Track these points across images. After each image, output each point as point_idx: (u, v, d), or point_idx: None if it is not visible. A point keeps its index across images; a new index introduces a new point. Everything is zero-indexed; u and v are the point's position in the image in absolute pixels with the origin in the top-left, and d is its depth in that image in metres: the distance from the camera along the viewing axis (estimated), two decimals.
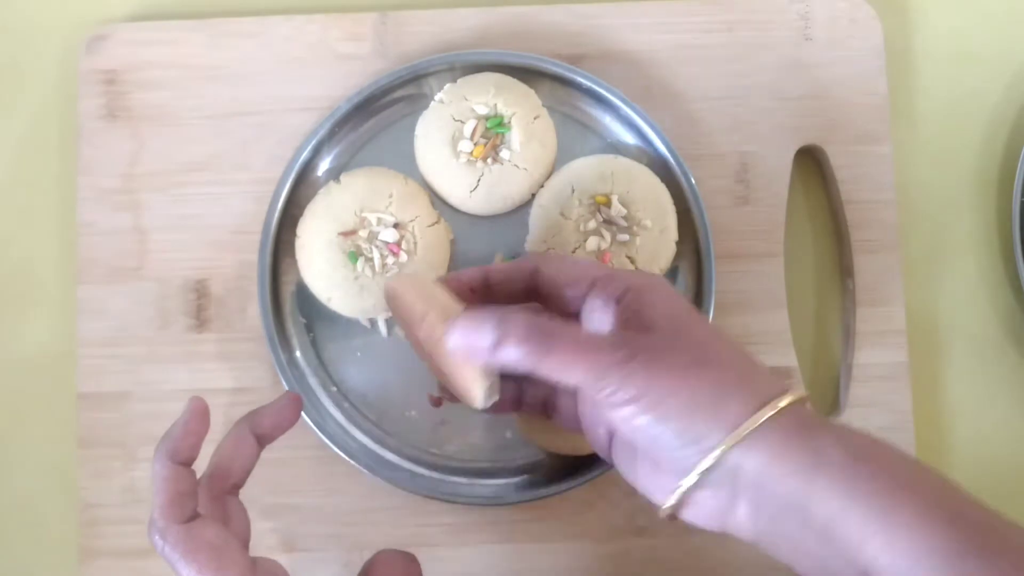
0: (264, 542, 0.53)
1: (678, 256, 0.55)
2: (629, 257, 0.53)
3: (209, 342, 0.55)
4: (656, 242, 0.54)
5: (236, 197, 0.56)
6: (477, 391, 0.41)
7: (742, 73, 0.57)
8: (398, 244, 0.54)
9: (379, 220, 0.54)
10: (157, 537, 0.38)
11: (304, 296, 0.55)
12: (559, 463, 0.53)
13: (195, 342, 0.55)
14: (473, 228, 0.56)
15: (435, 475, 0.54)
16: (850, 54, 0.57)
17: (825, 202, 0.58)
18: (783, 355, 0.55)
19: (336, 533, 0.54)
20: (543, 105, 0.56)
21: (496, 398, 0.42)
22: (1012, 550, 0.35)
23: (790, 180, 0.57)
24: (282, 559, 0.42)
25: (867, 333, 0.55)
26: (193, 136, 0.57)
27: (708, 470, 0.37)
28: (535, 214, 0.55)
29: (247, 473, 0.42)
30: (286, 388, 0.53)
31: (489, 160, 0.54)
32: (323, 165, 0.56)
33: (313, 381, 0.55)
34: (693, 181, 0.54)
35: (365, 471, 0.53)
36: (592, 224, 0.54)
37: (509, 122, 0.55)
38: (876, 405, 0.54)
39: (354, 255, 0.54)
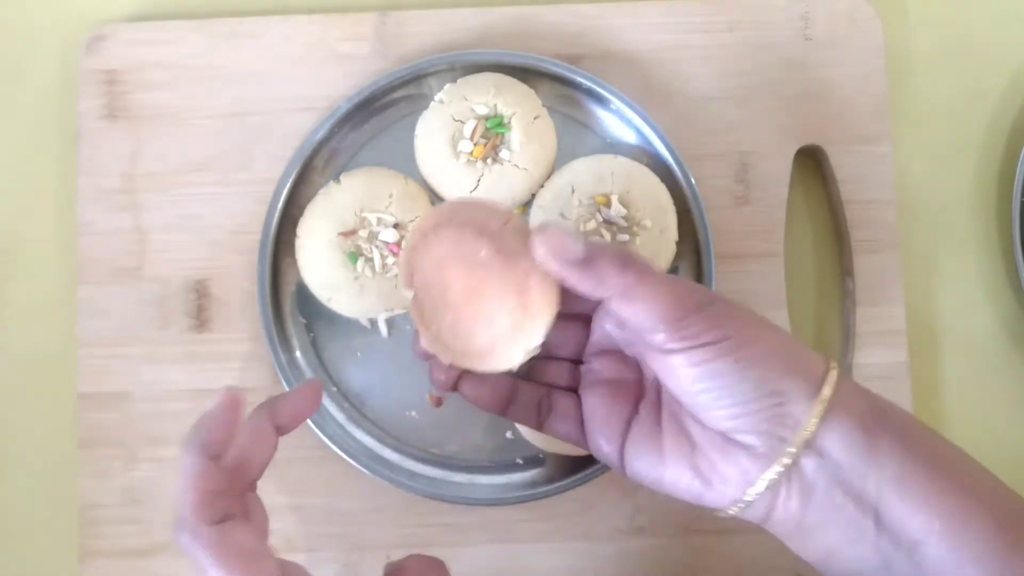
0: None
1: (678, 256, 0.55)
2: None
3: (209, 342, 0.55)
4: (656, 242, 0.54)
5: (236, 197, 0.56)
6: (545, 316, 0.38)
7: (742, 73, 0.57)
8: (398, 244, 0.54)
9: (379, 220, 0.54)
10: (188, 538, 0.35)
11: (304, 296, 0.55)
12: (559, 463, 0.54)
13: (195, 342, 0.55)
14: None
15: (435, 475, 0.54)
16: (850, 54, 0.57)
17: (825, 202, 0.58)
18: None
19: (336, 533, 0.54)
20: (543, 105, 0.56)
21: (540, 343, 0.40)
22: None
23: (790, 180, 0.57)
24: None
25: (867, 333, 0.55)
26: (193, 136, 0.57)
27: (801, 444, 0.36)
28: (535, 214, 0.55)
29: (264, 467, 0.39)
30: (286, 389, 0.53)
31: (489, 160, 0.54)
32: (323, 165, 0.56)
33: None
34: (693, 181, 0.54)
35: (365, 471, 0.53)
36: (592, 224, 0.54)
37: (509, 122, 0.55)
38: None
39: (354, 255, 0.54)
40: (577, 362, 0.45)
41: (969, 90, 0.60)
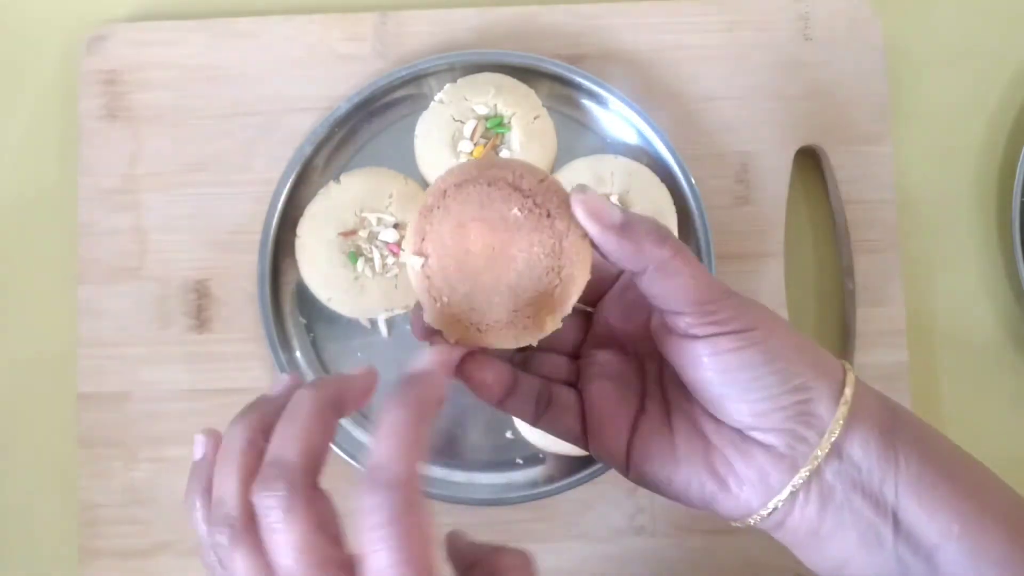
0: None
1: None
2: None
3: (209, 342, 0.55)
4: None
5: (236, 197, 0.56)
6: (580, 281, 0.35)
7: (742, 73, 0.57)
8: (398, 244, 0.54)
9: (379, 220, 0.54)
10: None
11: (304, 296, 0.55)
12: (559, 463, 0.54)
13: (195, 342, 0.55)
14: None
15: (435, 475, 0.54)
16: (850, 54, 0.57)
17: (825, 202, 0.58)
18: None
19: None
20: (543, 105, 0.56)
21: (564, 318, 0.36)
22: None
23: (790, 180, 0.57)
24: None
25: (867, 333, 0.55)
26: (193, 136, 0.57)
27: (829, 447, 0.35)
28: None
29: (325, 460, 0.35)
30: None
31: None
32: (323, 165, 0.56)
33: None
34: (693, 181, 0.54)
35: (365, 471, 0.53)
36: None
37: (509, 122, 0.55)
38: None
39: (354, 255, 0.54)
40: (574, 357, 0.42)
41: (969, 90, 0.60)
